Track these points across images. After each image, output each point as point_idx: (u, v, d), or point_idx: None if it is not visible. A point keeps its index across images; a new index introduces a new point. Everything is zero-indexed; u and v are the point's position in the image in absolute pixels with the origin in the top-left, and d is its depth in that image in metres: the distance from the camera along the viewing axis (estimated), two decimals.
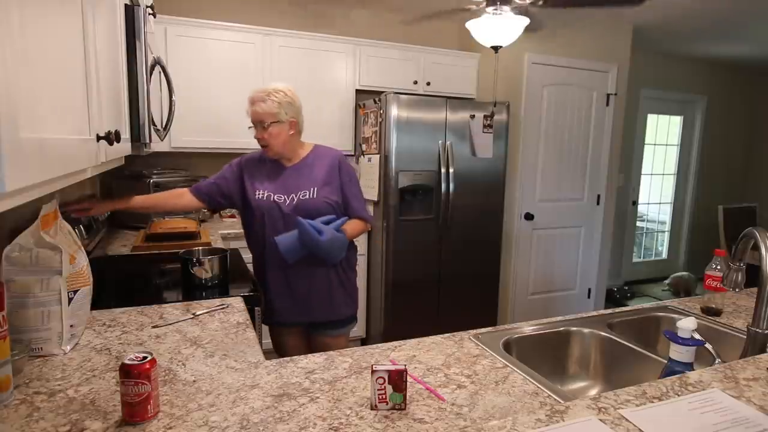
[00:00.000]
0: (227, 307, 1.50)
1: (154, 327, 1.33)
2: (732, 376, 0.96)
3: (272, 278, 1.78)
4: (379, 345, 1.25)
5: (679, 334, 1.10)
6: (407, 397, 0.94)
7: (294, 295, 1.78)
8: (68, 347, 1.15)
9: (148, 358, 0.87)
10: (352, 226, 1.77)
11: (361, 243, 3.26)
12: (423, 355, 1.19)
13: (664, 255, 5.64)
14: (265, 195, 1.75)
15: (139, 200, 1.80)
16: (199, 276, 1.70)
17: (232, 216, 3.31)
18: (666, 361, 1.13)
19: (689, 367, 1.08)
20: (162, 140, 1.78)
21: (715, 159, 5.55)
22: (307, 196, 1.72)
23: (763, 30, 3.96)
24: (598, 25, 3.76)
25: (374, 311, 3.37)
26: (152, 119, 1.54)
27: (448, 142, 3.22)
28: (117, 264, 2.08)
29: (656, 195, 5.48)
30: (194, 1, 3.19)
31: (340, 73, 3.31)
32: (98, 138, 0.99)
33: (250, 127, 1.76)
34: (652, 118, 5.21)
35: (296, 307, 1.79)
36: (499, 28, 2.50)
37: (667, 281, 4.97)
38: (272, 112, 1.68)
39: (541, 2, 2.38)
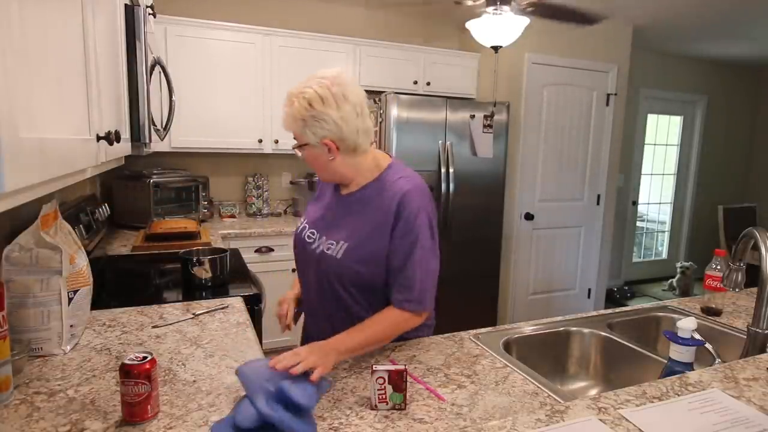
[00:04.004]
0: (227, 307, 1.50)
1: (154, 327, 1.33)
2: (732, 376, 0.96)
3: (305, 322, 1.40)
4: None
5: (679, 334, 1.10)
6: (407, 397, 0.94)
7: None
8: (68, 347, 1.15)
9: (148, 358, 0.87)
10: (373, 327, 1.10)
11: None
12: (423, 355, 1.19)
13: (664, 255, 5.64)
14: (302, 227, 1.29)
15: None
16: (199, 276, 1.70)
17: (232, 216, 3.31)
18: (666, 361, 1.13)
19: (689, 367, 1.08)
20: (162, 140, 1.78)
21: (715, 159, 5.55)
22: (331, 252, 1.17)
23: (763, 30, 3.96)
24: (598, 25, 3.76)
25: None
26: (152, 119, 1.54)
27: (448, 142, 3.22)
28: (117, 264, 2.08)
29: (656, 195, 5.48)
30: (194, 1, 3.19)
31: None
32: (98, 138, 0.99)
33: None
34: (652, 118, 5.21)
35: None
36: (499, 28, 2.50)
37: (685, 263, 4.87)
38: (297, 132, 1.13)
39: (530, 9, 2.40)
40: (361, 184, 1.21)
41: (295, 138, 1.16)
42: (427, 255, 1.17)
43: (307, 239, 1.25)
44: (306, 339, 1.36)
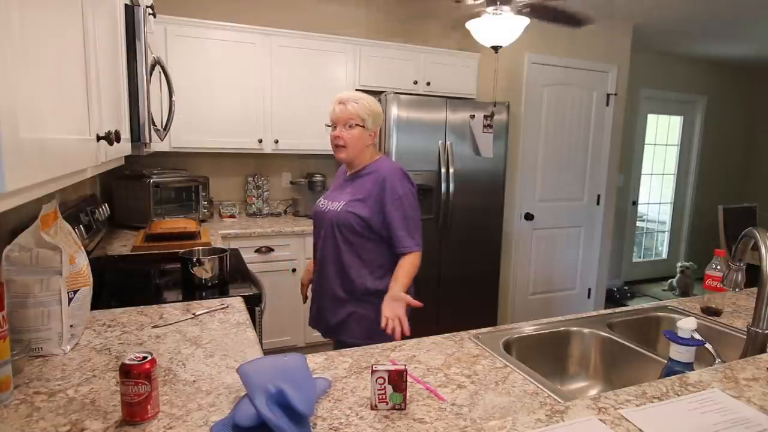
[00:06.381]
0: (227, 307, 1.50)
1: (154, 327, 1.33)
2: (732, 376, 0.96)
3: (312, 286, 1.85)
4: (379, 345, 1.25)
5: (679, 334, 1.10)
6: (407, 397, 0.94)
7: (315, 307, 1.82)
8: (68, 347, 1.15)
9: (148, 358, 0.87)
10: (403, 272, 1.59)
11: None
12: (423, 355, 1.19)
13: (664, 255, 5.64)
14: (321, 201, 1.77)
15: None
16: (199, 276, 1.70)
17: (232, 216, 3.31)
18: (666, 361, 1.13)
19: (689, 367, 1.08)
20: (162, 140, 1.78)
21: (715, 159, 5.55)
22: (335, 208, 1.67)
23: (763, 30, 3.96)
24: (598, 25, 3.76)
25: None
26: (152, 119, 1.54)
27: (448, 142, 3.22)
28: (117, 264, 2.08)
29: (656, 195, 5.48)
30: (194, 1, 3.19)
31: (340, 73, 3.31)
32: (98, 138, 0.99)
33: (328, 126, 1.70)
34: (652, 118, 5.21)
35: (314, 318, 1.82)
36: (499, 28, 2.50)
37: (685, 263, 4.91)
38: (361, 116, 1.64)
39: (527, 10, 2.40)
40: (360, 168, 1.71)
41: (350, 120, 1.63)
42: (413, 212, 1.65)
43: (320, 206, 1.75)
44: (314, 287, 1.81)
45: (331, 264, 1.68)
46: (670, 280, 5.02)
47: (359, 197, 1.65)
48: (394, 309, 1.51)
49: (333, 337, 1.75)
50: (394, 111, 3.05)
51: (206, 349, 1.19)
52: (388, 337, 1.44)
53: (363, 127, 1.65)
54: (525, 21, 2.51)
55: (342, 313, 1.68)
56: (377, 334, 1.51)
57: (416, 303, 1.53)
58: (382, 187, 1.62)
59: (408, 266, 1.61)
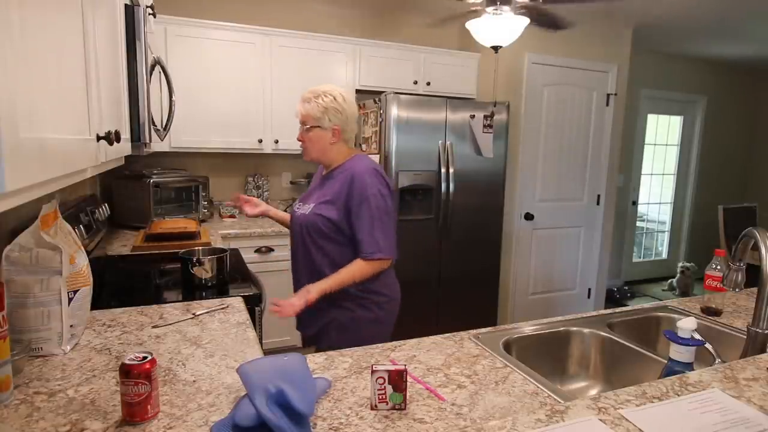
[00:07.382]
0: (227, 307, 1.50)
1: (154, 327, 1.33)
2: (732, 376, 0.96)
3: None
4: (379, 345, 1.25)
5: (679, 334, 1.10)
6: (407, 397, 0.94)
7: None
8: (68, 347, 1.15)
9: (148, 358, 0.87)
10: (341, 275, 1.50)
11: None
12: (423, 355, 1.19)
13: (664, 255, 5.64)
14: (297, 204, 1.71)
15: None
16: (199, 276, 1.70)
17: (232, 216, 3.31)
18: (666, 361, 1.13)
19: (689, 367, 1.08)
20: (162, 140, 1.78)
21: (715, 159, 5.55)
22: (306, 211, 1.61)
23: (763, 30, 3.96)
24: (598, 25, 3.76)
25: None
26: (152, 119, 1.54)
27: (448, 142, 3.22)
28: (117, 264, 2.08)
29: (656, 195, 5.48)
30: (194, 1, 3.19)
31: (340, 73, 3.31)
32: (98, 138, 0.99)
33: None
34: (652, 118, 5.21)
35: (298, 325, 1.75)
36: (499, 28, 2.50)
37: (685, 263, 4.90)
38: (314, 116, 1.55)
39: (522, 11, 2.40)
40: (333, 167, 1.62)
41: (305, 122, 1.57)
42: (381, 214, 1.53)
43: (296, 209, 1.69)
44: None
45: (304, 270, 1.62)
46: (670, 280, 5.02)
47: (328, 198, 1.56)
48: (298, 296, 1.48)
49: (313, 346, 1.68)
50: (394, 111, 3.05)
51: (206, 349, 1.19)
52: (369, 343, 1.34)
53: (319, 127, 1.56)
54: (525, 21, 2.51)
55: (321, 321, 1.61)
56: (357, 341, 1.35)
57: (304, 306, 1.48)
58: (350, 187, 1.52)
59: (354, 271, 1.51)
